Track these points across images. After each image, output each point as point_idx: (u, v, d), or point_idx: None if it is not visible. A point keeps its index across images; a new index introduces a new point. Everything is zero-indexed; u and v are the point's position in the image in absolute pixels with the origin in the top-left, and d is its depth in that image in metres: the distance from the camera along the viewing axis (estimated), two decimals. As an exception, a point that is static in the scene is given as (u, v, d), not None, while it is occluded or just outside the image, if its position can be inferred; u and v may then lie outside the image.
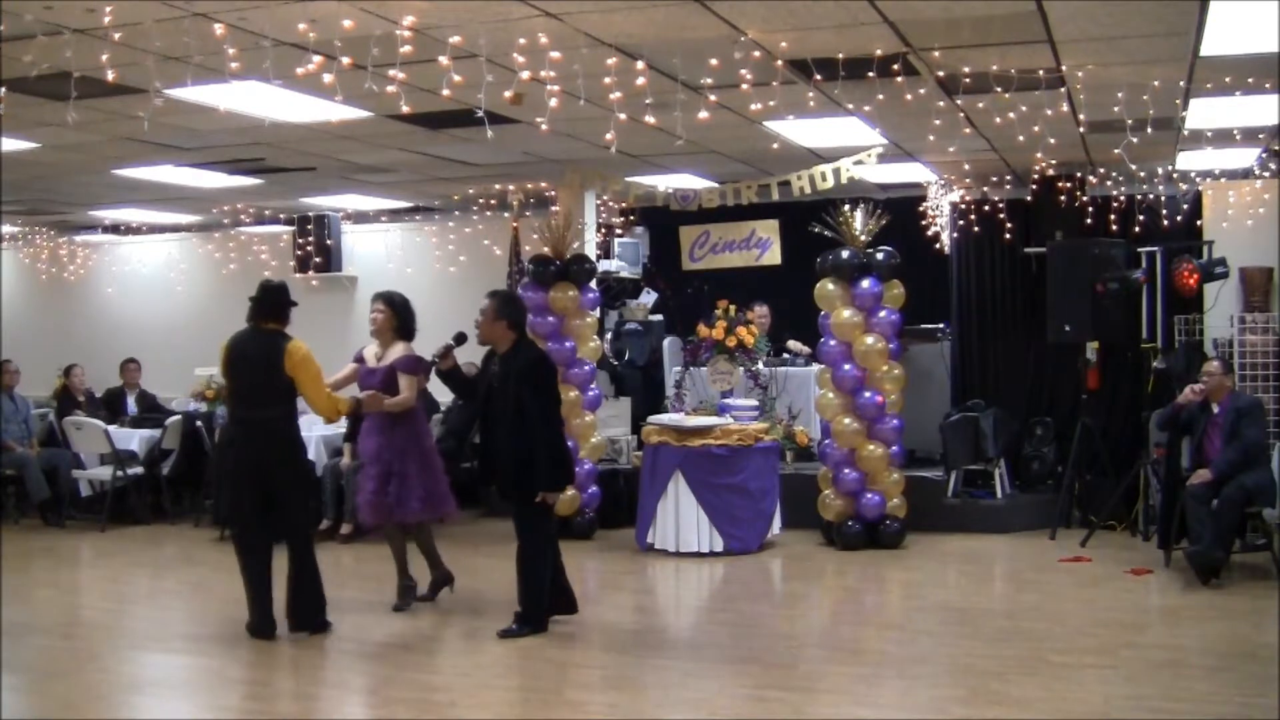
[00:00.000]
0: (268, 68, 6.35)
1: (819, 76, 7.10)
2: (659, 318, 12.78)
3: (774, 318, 11.42)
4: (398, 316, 7.45)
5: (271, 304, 6.85)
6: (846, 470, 9.51)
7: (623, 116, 7.53)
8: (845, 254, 9.47)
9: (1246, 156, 9.90)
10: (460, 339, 7.13)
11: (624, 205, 12.85)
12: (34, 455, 11.09)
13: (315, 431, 10.62)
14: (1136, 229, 10.74)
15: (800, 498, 9.87)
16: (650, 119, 7.96)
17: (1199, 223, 10.84)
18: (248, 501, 6.77)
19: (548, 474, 6.60)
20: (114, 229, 14.83)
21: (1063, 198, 10.82)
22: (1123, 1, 5.93)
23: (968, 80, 7.28)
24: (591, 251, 11.30)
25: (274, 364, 6.69)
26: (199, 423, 11.05)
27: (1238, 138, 9.05)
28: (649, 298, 12.89)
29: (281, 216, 13.89)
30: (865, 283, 9.43)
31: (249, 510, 6.78)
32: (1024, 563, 9.11)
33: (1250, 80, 7.28)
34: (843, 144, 9.44)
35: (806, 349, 11.35)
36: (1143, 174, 10.49)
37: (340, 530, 9.96)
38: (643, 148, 9.71)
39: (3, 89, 6.72)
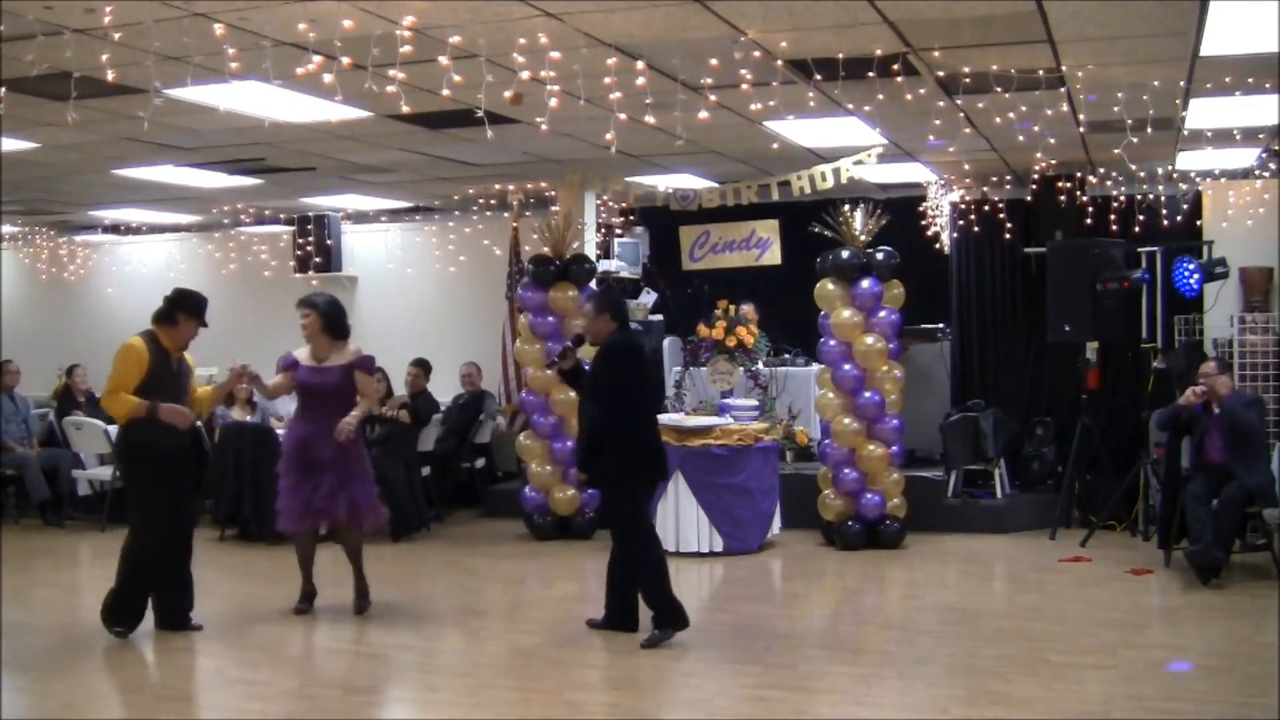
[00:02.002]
0: (268, 68, 6.35)
1: (819, 76, 7.10)
2: (659, 318, 12.78)
3: (761, 317, 11.39)
4: (324, 318, 7.38)
5: (164, 307, 6.84)
6: (846, 470, 9.51)
7: (623, 116, 7.53)
8: (845, 254, 9.47)
9: (1246, 156, 9.90)
10: (579, 341, 7.13)
11: (624, 205, 12.85)
12: (34, 455, 11.10)
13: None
14: (1136, 229, 10.74)
15: (800, 498, 9.87)
16: (650, 119, 7.96)
17: (1199, 223, 10.83)
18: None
19: (583, 454, 6.62)
20: (114, 229, 14.82)
21: (1063, 198, 10.82)
22: (1123, 1, 5.93)
23: (968, 80, 7.28)
24: (591, 251, 11.31)
25: None
26: (199, 423, 11.01)
27: (1238, 138, 9.05)
28: (649, 298, 12.89)
29: (281, 216, 13.88)
30: (865, 283, 9.44)
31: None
32: (1024, 563, 9.10)
33: (1250, 80, 7.28)
34: (843, 144, 9.44)
35: None
36: (1143, 174, 10.48)
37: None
38: (643, 148, 9.70)
39: (3, 89, 6.72)
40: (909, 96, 7.36)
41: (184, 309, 6.84)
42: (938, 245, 11.82)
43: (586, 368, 6.99)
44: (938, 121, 8.23)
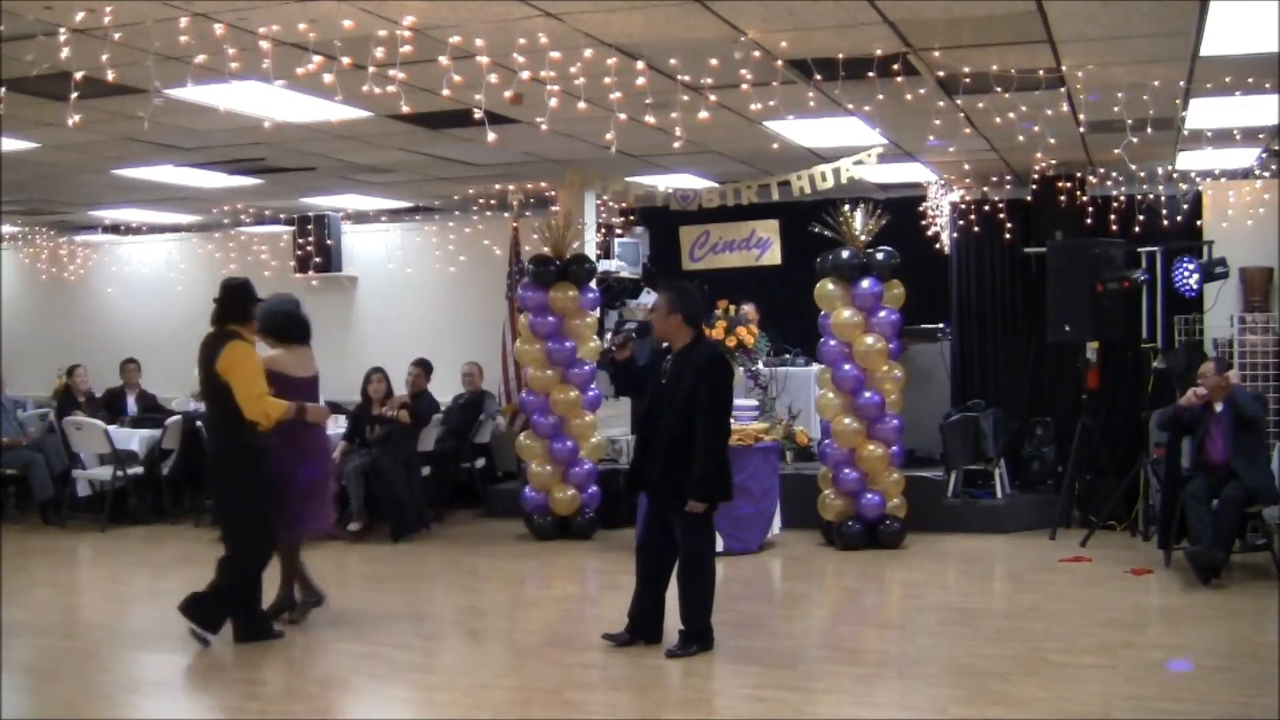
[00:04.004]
0: (268, 68, 6.35)
1: (819, 76, 7.10)
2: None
3: (761, 317, 11.37)
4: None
5: (228, 303, 6.78)
6: (846, 470, 9.51)
7: (623, 116, 7.52)
8: (845, 254, 9.48)
9: (1246, 156, 9.90)
10: (643, 331, 6.94)
11: (624, 205, 12.85)
12: (42, 438, 11.17)
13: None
14: (1136, 229, 10.74)
15: (800, 498, 9.87)
16: (650, 119, 7.96)
17: (1199, 223, 10.83)
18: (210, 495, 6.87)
19: (706, 483, 6.28)
20: (114, 229, 14.81)
21: (1063, 198, 10.81)
22: (1123, 1, 5.93)
23: (968, 80, 7.28)
24: (591, 251, 11.31)
25: (210, 365, 6.62)
26: (199, 423, 11.01)
27: (1238, 138, 9.05)
28: (649, 298, 12.89)
29: (281, 216, 13.87)
30: (865, 283, 9.44)
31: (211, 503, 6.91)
32: (1024, 563, 9.11)
33: (1250, 80, 7.28)
34: (843, 144, 9.43)
35: None
36: (1143, 174, 10.48)
37: (348, 528, 9.96)
38: (643, 148, 9.70)
39: (3, 89, 6.71)
40: (909, 96, 7.36)
41: (235, 302, 6.76)
42: (938, 245, 11.81)
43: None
44: (938, 121, 8.23)
